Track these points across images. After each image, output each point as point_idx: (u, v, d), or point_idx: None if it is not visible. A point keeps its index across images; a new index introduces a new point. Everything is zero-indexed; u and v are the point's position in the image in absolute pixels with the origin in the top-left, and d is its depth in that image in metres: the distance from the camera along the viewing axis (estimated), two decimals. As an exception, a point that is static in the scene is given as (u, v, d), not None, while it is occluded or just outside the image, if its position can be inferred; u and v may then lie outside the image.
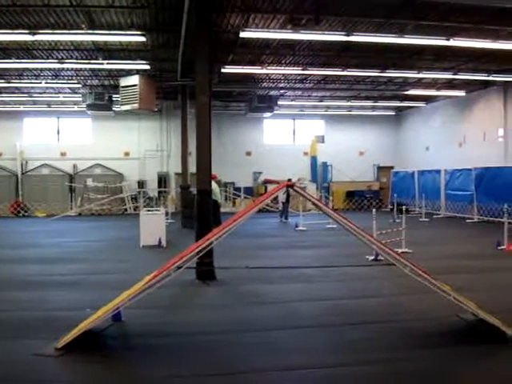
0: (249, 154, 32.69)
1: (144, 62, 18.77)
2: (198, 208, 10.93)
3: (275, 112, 28.38)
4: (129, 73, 20.02)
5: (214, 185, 15.15)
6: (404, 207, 15.46)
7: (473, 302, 6.74)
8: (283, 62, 20.50)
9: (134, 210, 28.01)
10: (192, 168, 17.04)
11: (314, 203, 7.59)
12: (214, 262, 10.54)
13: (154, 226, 15.64)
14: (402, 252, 12.75)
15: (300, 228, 20.34)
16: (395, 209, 22.50)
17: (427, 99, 30.08)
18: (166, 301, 8.68)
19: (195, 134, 11.12)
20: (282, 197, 23.46)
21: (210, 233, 7.48)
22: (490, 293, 9.10)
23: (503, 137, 24.88)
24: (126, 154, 30.88)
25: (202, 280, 10.33)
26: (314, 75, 23.14)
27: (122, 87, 19.83)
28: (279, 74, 23.19)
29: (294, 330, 7.16)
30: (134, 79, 19.55)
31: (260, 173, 32.44)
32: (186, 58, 16.89)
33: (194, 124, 11.44)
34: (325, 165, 33.36)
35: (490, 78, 22.98)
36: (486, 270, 11.46)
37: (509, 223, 15.16)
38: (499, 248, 14.33)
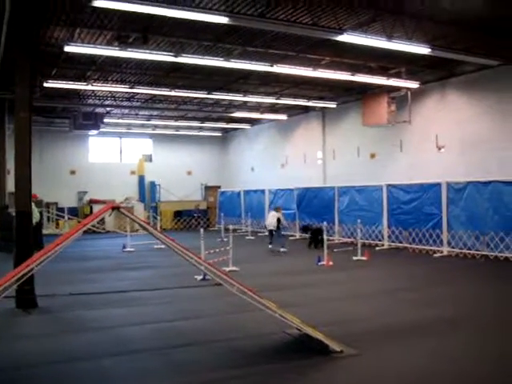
0: (73, 172, 31.42)
1: (-44, 72, 17.30)
2: (17, 231, 10.21)
3: (101, 130, 27.71)
4: None
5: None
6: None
7: (297, 318, 7.01)
8: (110, 79, 20.08)
9: None
10: (11, 187, 15.95)
11: (141, 225, 7.44)
12: (35, 288, 9.88)
13: (-34, 250, 14.41)
14: (230, 270, 13.01)
15: (128, 249, 19.91)
16: (223, 229, 22.84)
17: (252, 122, 31.25)
18: (-20, 333, 7.98)
19: (14, 150, 10.44)
20: (271, 223, 19.73)
21: (31, 258, 6.99)
22: (312, 307, 9.59)
23: (322, 159, 26.59)
24: None
25: (23, 308, 9.64)
26: (142, 94, 22.96)
27: None
28: (106, 91, 22.66)
29: (122, 356, 6.92)
30: None
31: (85, 192, 31.32)
32: (6, 70, 15.84)
33: (12, 140, 10.73)
34: (153, 184, 33.15)
35: (310, 104, 24.54)
36: (308, 285, 12.05)
37: (327, 240, 16.13)
38: (320, 263, 15.17)
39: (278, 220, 19.51)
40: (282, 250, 18.83)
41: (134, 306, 10.05)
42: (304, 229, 21.89)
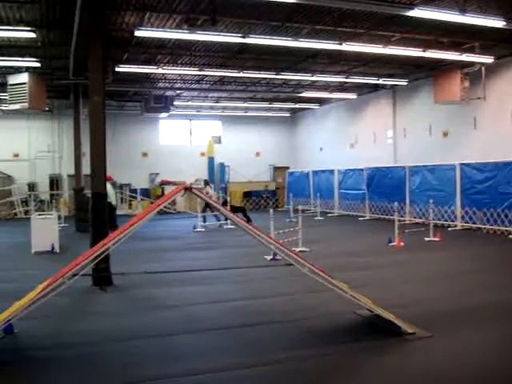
0: (145, 154, 32.18)
1: (34, 59, 17.95)
2: (93, 212, 10.58)
3: (171, 112, 28.17)
4: (18, 70, 19.02)
5: (108, 186, 14.75)
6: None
7: (368, 299, 6.96)
8: (179, 62, 20.33)
9: (25, 213, 26.73)
10: (86, 170, 16.49)
11: (213, 205, 7.55)
12: (110, 266, 10.22)
13: (46, 230, 15.00)
14: (299, 251, 13.01)
15: (198, 229, 20.26)
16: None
17: (321, 101, 30.96)
18: (61, 309, 8.31)
19: (89, 134, 10.79)
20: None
21: (107, 237, 7.24)
22: (383, 288, 9.48)
23: (392, 138, 26.07)
24: (16, 155, 29.34)
25: (99, 286, 10.00)
26: (211, 76, 23.13)
27: (11, 85, 18.83)
28: (175, 74, 22.99)
29: (194, 333, 7.07)
30: (24, 77, 18.63)
31: (157, 174, 32.06)
32: (79, 56, 16.35)
33: (87, 124, 11.11)
34: (222, 165, 33.48)
35: (380, 82, 24.06)
36: (379, 266, 11.91)
37: (398, 220, 15.87)
38: (390, 244, 14.97)
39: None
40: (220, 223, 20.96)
41: (205, 284, 10.22)
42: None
